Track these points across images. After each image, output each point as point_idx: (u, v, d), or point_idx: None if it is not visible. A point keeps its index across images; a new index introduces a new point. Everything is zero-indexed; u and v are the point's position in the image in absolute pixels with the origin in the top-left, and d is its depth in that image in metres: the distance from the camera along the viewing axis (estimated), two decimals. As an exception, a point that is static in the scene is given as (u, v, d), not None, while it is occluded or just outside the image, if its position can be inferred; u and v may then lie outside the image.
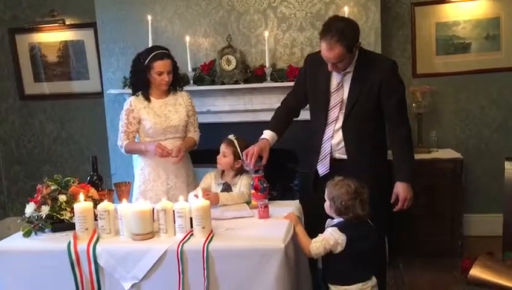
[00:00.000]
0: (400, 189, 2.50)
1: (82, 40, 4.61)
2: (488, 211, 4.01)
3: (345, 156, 2.58)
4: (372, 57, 2.64)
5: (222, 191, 2.70)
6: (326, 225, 2.26)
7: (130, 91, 3.13)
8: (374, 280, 2.20)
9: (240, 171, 2.73)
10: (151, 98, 2.95)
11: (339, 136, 2.58)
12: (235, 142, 2.71)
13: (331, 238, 2.13)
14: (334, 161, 2.59)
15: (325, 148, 2.60)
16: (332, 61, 2.46)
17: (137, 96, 2.95)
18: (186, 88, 3.56)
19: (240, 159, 2.68)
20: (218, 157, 2.73)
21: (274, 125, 2.71)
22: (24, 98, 4.84)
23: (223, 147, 2.72)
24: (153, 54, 2.88)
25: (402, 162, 2.54)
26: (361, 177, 2.24)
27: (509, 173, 2.39)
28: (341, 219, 2.19)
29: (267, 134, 2.66)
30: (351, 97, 2.53)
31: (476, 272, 2.17)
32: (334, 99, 2.57)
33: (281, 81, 3.68)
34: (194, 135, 3.05)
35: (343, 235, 2.12)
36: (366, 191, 2.19)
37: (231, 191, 2.69)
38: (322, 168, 2.61)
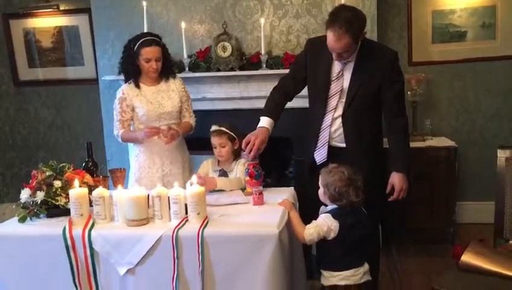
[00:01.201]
0: (396, 179, 2.53)
1: (77, 26, 4.58)
2: (481, 199, 4.05)
3: (342, 144, 2.60)
4: (374, 46, 2.64)
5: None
6: (320, 212, 2.28)
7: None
8: (366, 266, 2.23)
9: (238, 153, 2.73)
10: (143, 85, 2.95)
11: (337, 124, 2.59)
12: (224, 129, 2.70)
13: (325, 224, 2.15)
14: (331, 149, 2.60)
15: (324, 136, 2.61)
16: (339, 51, 2.45)
17: (129, 83, 2.95)
18: (181, 75, 3.56)
19: (235, 140, 2.69)
20: (217, 152, 2.71)
21: (272, 112, 2.66)
22: (18, 84, 4.82)
23: (217, 140, 2.69)
24: (141, 40, 2.86)
25: (398, 152, 2.56)
26: (358, 165, 2.26)
27: (502, 161, 2.41)
28: (334, 206, 2.21)
29: (266, 122, 2.62)
30: (352, 87, 2.54)
31: (467, 258, 2.21)
32: (334, 88, 2.58)
33: (276, 69, 3.68)
34: (190, 119, 3.05)
35: (336, 221, 2.15)
36: (360, 179, 2.21)
37: (227, 177, 2.70)
38: (320, 156, 2.62)
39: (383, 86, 2.53)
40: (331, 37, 2.41)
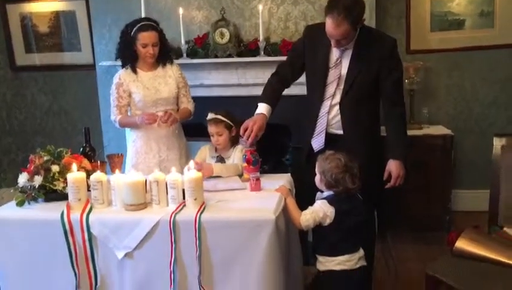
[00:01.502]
0: (393, 167, 2.54)
1: (74, 11, 4.56)
2: (477, 187, 4.07)
3: (340, 131, 2.60)
4: (373, 34, 2.63)
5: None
6: (316, 198, 2.30)
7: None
8: (361, 252, 2.25)
9: (236, 140, 2.74)
10: (140, 70, 2.95)
11: (335, 111, 2.59)
12: (220, 117, 2.70)
13: (320, 210, 2.17)
14: (328, 136, 2.61)
15: (321, 123, 2.61)
16: (337, 38, 2.44)
17: (126, 69, 2.95)
18: (179, 61, 3.57)
19: (232, 127, 2.70)
20: (214, 140, 2.72)
21: (269, 98, 2.66)
22: (15, 69, 4.81)
23: (214, 128, 2.70)
24: (138, 25, 2.86)
25: (396, 140, 2.56)
26: (355, 153, 2.27)
27: (497, 149, 2.43)
28: (331, 192, 2.23)
29: (264, 108, 2.62)
30: (350, 74, 2.54)
31: (461, 244, 2.23)
32: (332, 75, 2.58)
33: (274, 56, 3.68)
34: (188, 105, 3.06)
35: (332, 208, 2.17)
36: (356, 166, 2.22)
37: (225, 163, 2.72)
38: (317, 143, 2.63)
39: (382, 74, 2.53)
40: (329, 24, 2.41)
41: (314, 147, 2.64)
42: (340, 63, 2.57)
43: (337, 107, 2.58)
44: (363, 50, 2.52)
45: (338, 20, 2.37)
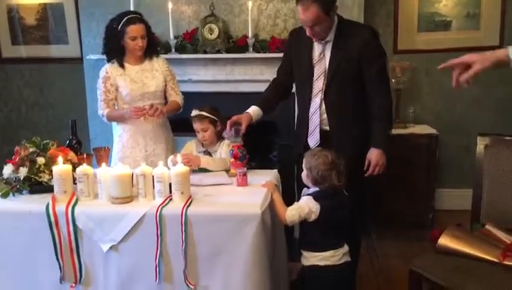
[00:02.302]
0: (373, 155, 2.54)
1: (61, 3, 4.51)
2: (460, 186, 4.12)
3: (327, 127, 2.62)
4: (352, 24, 2.66)
5: (203, 158, 2.72)
6: (302, 194, 2.32)
7: (107, 58, 3.08)
8: (345, 248, 2.27)
9: (221, 135, 2.75)
10: (127, 64, 2.94)
11: (324, 106, 2.61)
12: (204, 113, 2.72)
13: (306, 206, 2.18)
14: (323, 133, 2.62)
15: (314, 120, 2.62)
16: (309, 24, 2.46)
17: (112, 63, 2.94)
18: (167, 56, 3.55)
19: (217, 122, 2.71)
20: (200, 136, 2.74)
21: (261, 101, 2.73)
22: (1, 61, 4.74)
23: (199, 125, 2.72)
24: (125, 18, 2.85)
25: (378, 129, 2.56)
26: (341, 146, 2.28)
27: (481, 147, 2.46)
28: (317, 189, 2.24)
29: (252, 109, 2.68)
30: (331, 65, 2.56)
31: (444, 241, 2.26)
32: (318, 70, 2.60)
33: (263, 52, 3.68)
34: (177, 98, 3.05)
35: (318, 204, 2.18)
36: (343, 163, 2.24)
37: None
38: (313, 140, 2.64)
39: (363, 63, 2.53)
40: (300, 11, 2.45)
41: (310, 144, 2.65)
42: (323, 57, 2.59)
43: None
44: (342, 41, 2.54)
45: (306, 3, 2.41)
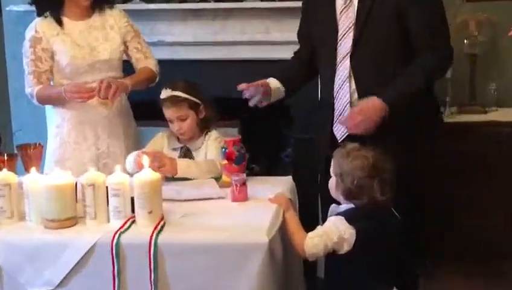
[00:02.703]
0: (368, 102, 2.53)
1: None
2: None
3: None
4: None
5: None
6: (329, 213, 2.33)
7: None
8: (395, 292, 2.29)
9: (206, 125, 2.77)
10: (66, 19, 2.96)
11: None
12: (180, 93, 2.73)
13: (335, 232, 2.18)
14: None
15: (341, 99, 2.65)
16: None
17: (44, 17, 2.95)
18: (127, 7, 3.56)
19: (200, 105, 2.74)
20: (174, 127, 2.77)
21: (280, 75, 2.79)
22: None
23: (173, 112, 2.74)
24: None
25: (396, 82, 2.56)
26: (385, 143, 2.30)
27: None
28: (351, 205, 2.26)
29: (270, 81, 2.74)
30: (360, 15, 2.59)
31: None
32: (343, 24, 2.63)
33: (269, 0, 3.70)
34: (147, 62, 3.06)
35: (352, 228, 2.18)
36: (389, 168, 2.23)
37: (193, 158, 2.74)
38: (341, 128, 2.65)
39: (407, 11, 2.56)
40: None
41: (337, 135, 2.67)
42: (351, 3, 2.62)
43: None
44: None
45: None
